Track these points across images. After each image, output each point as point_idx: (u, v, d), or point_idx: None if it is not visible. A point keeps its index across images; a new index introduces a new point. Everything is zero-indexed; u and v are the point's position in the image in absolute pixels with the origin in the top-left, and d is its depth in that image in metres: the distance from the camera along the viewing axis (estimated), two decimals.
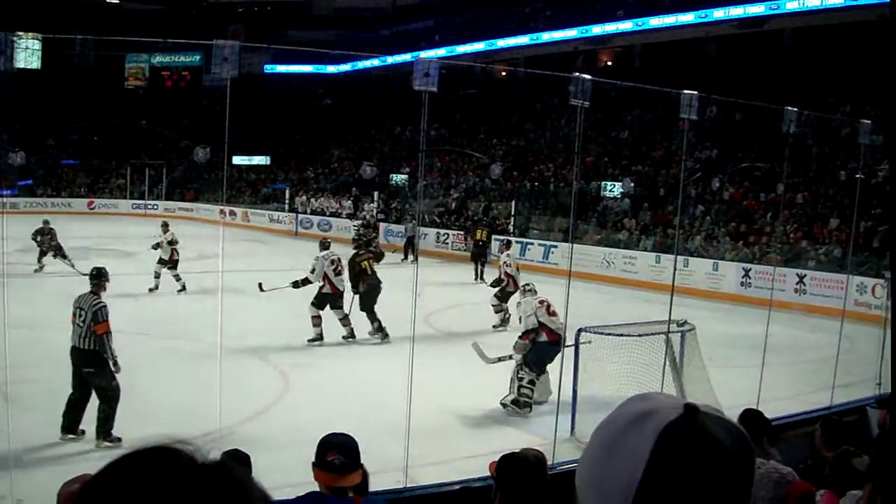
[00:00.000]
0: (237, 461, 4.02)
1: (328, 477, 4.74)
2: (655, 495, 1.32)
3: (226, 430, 8.87)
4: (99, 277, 11.34)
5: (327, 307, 17.70)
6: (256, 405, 12.38)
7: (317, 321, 17.54)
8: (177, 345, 16.40)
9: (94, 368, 10.68)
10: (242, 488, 1.20)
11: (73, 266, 24.03)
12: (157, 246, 23.86)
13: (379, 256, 18.41)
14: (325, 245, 18.48)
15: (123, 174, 56.36)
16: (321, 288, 17.71)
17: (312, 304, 17.66)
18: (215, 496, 1.16)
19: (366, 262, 18.15)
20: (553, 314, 13.49)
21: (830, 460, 5.71)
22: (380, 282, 18.10)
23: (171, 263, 23.47)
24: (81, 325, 10.66)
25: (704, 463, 1.31)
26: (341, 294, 17.74)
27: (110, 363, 10.75)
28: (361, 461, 4.81)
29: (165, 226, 24.25)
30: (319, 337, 17.50)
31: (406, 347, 8.43)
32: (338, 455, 4.74)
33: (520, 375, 13.02)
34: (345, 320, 17.79)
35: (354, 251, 19.08)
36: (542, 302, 13.74)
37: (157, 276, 23.35)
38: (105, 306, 10.87)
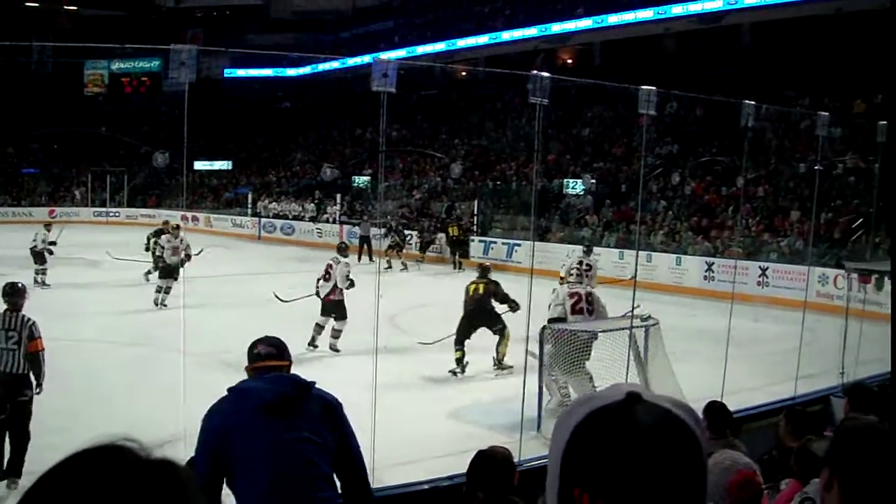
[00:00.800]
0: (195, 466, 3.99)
1: (253, 367, 4.85)
2: (573, 475, 1.35)
3: (190, 436, 8.82)
4: (14, 294, 10.14)
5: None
6: None
7: (317, 329, 17.13)
8: (140, 352, 16.28)
9: (28, 393, 9.72)
10: (183, 486, 1.20)
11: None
12: (160, 260, 22.48)
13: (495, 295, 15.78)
14: (340, 249, 18.22)
15: (84, 182, 55.83)
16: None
17: None
18: (156, 492, 1.16)
19: (473, 286, 15.87)
20: (578, 311, 13.39)
21: (795, 450, 5.75)
22: (481, 308, 15.66)
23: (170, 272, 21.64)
24: (14, 346, 9.62)
25: (621, 447, 1.32)
26: (323, 301, 17.27)
27: (36, 384, 9.78)
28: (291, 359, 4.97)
29: (177, 228, 22.93)
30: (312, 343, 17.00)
31: (372, 351, 8.41)
32: (264, 346, 4.88)
33: (553, 378, 12.53)
34: (316, 329, 17.15)
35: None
36: (572, 294, 13.66)
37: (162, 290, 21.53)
38: (35, 322, 9.90)
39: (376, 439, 8.14)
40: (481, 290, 15.64)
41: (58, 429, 9.92)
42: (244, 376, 4.92)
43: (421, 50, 50.83)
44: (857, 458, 2.25)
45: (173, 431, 7.76)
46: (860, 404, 7.03)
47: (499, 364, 15.39)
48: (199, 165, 54.30)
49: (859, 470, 2.22)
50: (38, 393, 9.79)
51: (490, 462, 4.80)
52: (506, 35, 47.29)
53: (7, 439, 9.69)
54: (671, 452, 1.32)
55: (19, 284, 10.43)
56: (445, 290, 23.01)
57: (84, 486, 1.14)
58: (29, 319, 9.85)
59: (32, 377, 9.78)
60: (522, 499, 4.33)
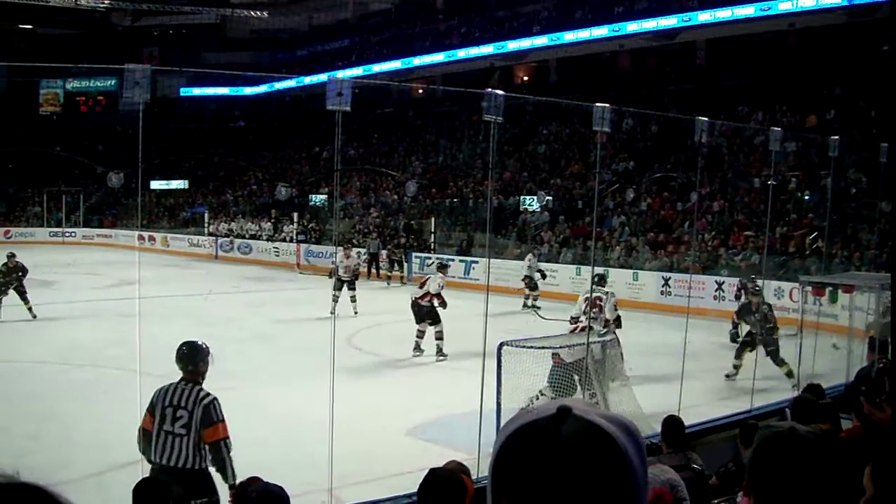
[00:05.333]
0: (152, 488, 4.00)
1: None
2: (501, 488, 1.36)
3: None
4: (189, 358, 7.78)
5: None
6: None
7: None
8: (98, 373, 16.14)
9: (206, 498, 7.17)
10: None
11: None
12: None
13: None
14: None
15: (40, 202, 55.38)
16: None
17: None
18: None
19: None
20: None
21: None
22: None
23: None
24: (183, 431, 7.21)
25: (540, 460, 1.32)
26: None
27: (230, 480, 7.15)
28: None
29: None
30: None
31: (328, 368, 8.38)
32: None
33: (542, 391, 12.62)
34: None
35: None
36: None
37: None
38: (217, 399, 7.44)
39: (335, 457, 8.13)
40: None
41: (17, 453, 9.84)
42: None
43: (377, 68, 50.98)
44: (765, 466, 2.33)
45: (132, 453, 7.70)
46: (804, 417, 7.13)
47: None
48: (156, 185, 54.09)
49: (767, 476, 2.30)
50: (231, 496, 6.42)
51: (439, 480, 4.77)
52: (462, 53, 47.46)
53: None
54: (591, 466, 1.31)
55: (200, 343, 8.00)
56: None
57: None
58: (207, 395, 7.44)
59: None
60: None
